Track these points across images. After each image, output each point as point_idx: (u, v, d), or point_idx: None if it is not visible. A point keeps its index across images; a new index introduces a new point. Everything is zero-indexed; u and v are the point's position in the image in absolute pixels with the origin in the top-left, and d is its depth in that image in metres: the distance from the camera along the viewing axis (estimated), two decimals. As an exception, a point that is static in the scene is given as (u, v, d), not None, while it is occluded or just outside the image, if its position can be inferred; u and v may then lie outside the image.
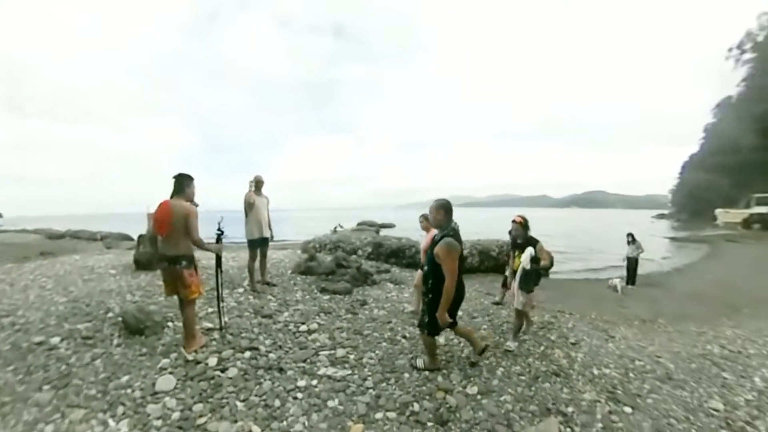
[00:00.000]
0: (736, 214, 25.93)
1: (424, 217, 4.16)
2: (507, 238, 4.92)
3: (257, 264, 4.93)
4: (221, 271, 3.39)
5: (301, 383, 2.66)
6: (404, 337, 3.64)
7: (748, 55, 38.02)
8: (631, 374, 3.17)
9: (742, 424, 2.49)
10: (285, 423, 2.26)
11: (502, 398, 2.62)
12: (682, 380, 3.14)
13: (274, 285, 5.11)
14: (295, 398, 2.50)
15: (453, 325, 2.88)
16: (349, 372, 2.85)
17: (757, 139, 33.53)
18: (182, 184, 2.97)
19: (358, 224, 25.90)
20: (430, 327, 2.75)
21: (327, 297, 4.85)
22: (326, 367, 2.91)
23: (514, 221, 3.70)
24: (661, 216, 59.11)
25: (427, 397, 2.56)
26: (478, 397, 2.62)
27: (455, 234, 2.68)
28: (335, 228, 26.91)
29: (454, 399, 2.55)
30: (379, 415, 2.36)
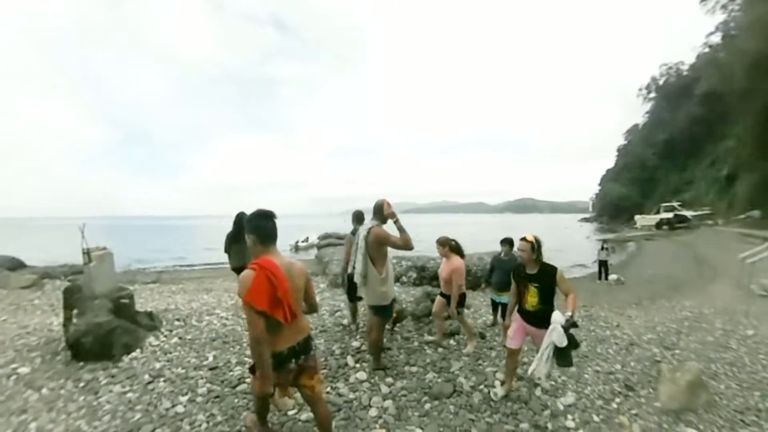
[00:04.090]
0: (650, 219, 32.36)
1: (442, 243, 4.00)
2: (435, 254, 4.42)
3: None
4: None
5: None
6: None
7: (652, 94, 50.74)
8: (661, 334, 4.87)
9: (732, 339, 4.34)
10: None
11: (632, 364, 3.76)
12: (689, 331, 4.97)
13: (389, 348, 3.91)
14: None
15: None
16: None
17: (658, 160, 44.55)
18: (276, 227, 1.92)
19: (320, 237, 23.10)
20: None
21: (454, 343, 4.15)
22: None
23: (523, 239, 2.69)
24: (586, 220, 68.90)
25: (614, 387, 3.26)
26: (618, 367, 3.71)
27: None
28: (297, 243, 23.58)
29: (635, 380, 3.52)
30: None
